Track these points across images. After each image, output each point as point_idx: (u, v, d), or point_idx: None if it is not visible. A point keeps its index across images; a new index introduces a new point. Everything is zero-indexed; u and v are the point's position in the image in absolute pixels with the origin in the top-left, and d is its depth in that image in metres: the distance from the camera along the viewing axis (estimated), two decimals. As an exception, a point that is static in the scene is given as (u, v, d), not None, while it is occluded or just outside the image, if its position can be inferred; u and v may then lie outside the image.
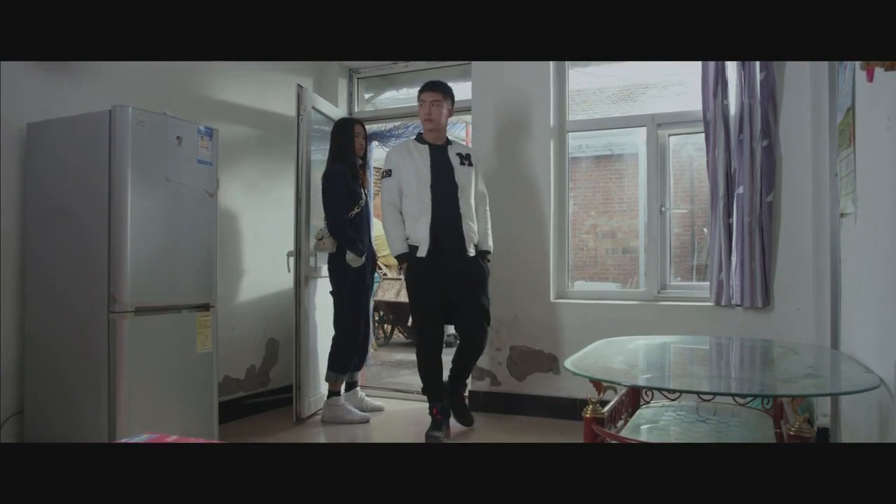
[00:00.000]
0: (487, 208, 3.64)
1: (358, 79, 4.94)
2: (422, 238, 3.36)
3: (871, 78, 1.73)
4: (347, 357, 3.83)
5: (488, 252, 3.57)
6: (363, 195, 3.87)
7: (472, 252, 3.43)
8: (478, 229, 3.51)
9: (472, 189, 3.48)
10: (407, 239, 3.41)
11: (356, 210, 3.78)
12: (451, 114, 3.55)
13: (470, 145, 3.64)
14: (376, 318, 7.48)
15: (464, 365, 3.61)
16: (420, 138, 3.55)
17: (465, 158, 3.52)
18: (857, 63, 1.82)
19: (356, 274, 3.78)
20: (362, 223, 3.84)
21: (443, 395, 3.53)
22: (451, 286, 3.40)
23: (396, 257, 3.48)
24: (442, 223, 3.37)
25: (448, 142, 3.56)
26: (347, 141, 3.86)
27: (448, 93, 3.52)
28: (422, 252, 3.35)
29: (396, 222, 3.44)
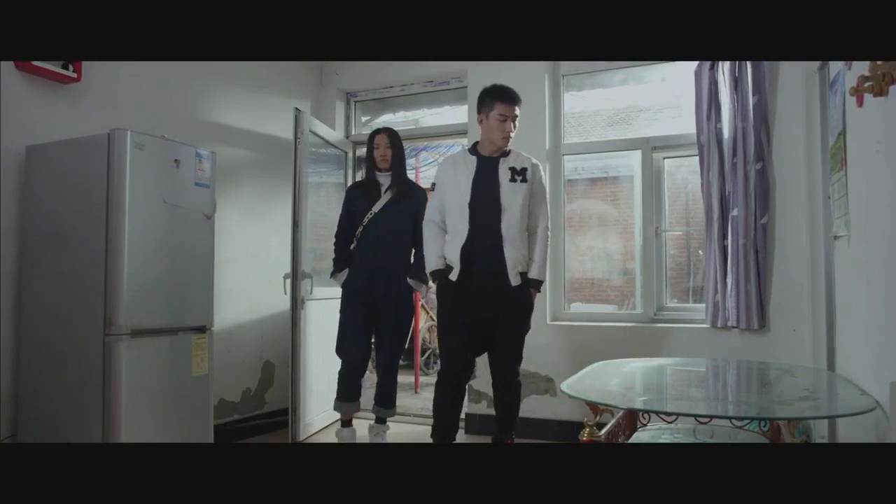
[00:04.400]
0: (545, 230, 3.14)
1: (355, 102, 4.98)
2: (454, 260, 3.01)
3: (860, 103, 1.76)
4: (344, 385, 3.58)
5: (538, 282, 3.08)
6: (371, 210, 3.59)
7: (515, 280, 2.98)
8: (528, 254, 3.07)
9: (520, 209, 3.01)
10: (444, 258, 3.07)
11: (361, 228, 3.59)
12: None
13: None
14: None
15: (499, 417, 3.19)
16: (473, 148, 3.14)
17: (519, 173, 3.04)
18: (847, 88, 1.84)
19: (350, 297, 3.58)
20: (377, 241, 3.57)
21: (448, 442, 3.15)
22: (483, 316, 3.01)
23: (430, 274, 3.18)
24: (480, 246, 2.98)
25: (505, 153, 3.09)
26: (367, 153, 3.74)
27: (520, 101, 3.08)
28: (453, 275, 3.01)
29: (433, 238, 3.12)
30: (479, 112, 3.07)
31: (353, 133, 4.94)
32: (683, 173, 4.67)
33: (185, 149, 2.95)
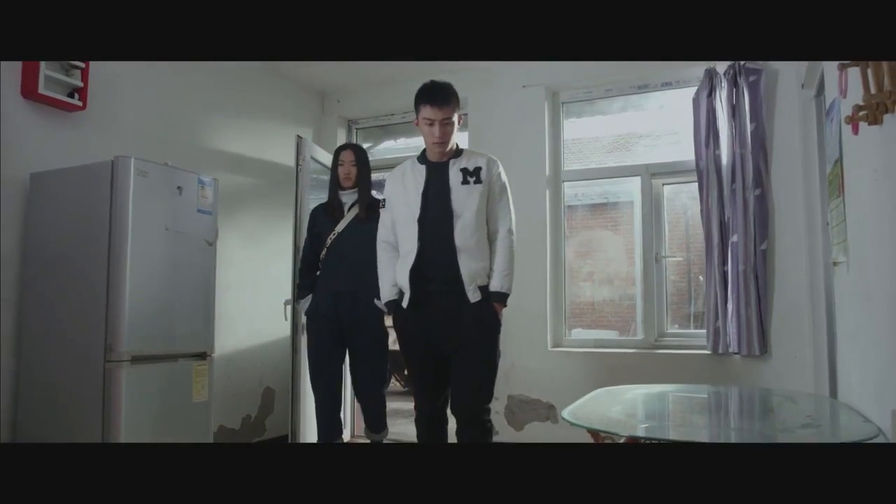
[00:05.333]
0: (508, 234, 2.66)
1: (356, 129, 5.03)
2: (404, 284, 2.60)
3: (856, 131, 1.78)
4: (323, 421, 3.35)
5: (501, 294, 2.61)
6: (334, 231, 3.33)
7: (474, 296, 2.55)
8: (490, 265, 2.62)
9: (475, 213, 2.58)
10: (396, 285, 2.67)
11: (324, 251, 3.34)
12: (461, 120, 2.72)
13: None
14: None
15: None
16: (422, 156, 2.72)
17: (472, 174, 2.64)
18: (843, 116, 1.87)
19: (314, 325, 3.34)
20: (340, 263, 3.30)
21: None
22: (442, 342, 2.58)
23: (384, 305, 2.78)
24: (431, 263, 2.57)
25: (457, 153, 2.68)
26: (332, 171, 3.47)
27: (456, 101, 2.65)
28: (405, 301, 2.62)
29: (386, 263, 2.73)
30: (415, 115, 2.67)
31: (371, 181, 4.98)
32: (683, 199, 4.69)
33: (188, 176, 2.98)
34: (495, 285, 2.60)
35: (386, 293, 2.70)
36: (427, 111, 2.57)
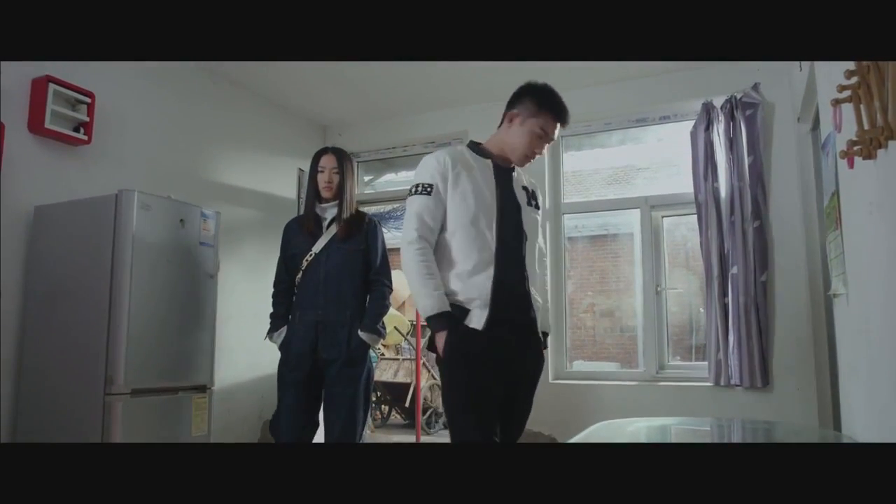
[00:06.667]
0: (545, 272, 2.40)
1: (358, 162, 5.08)
2: (483, 296, 2.07)
3: (851, 165, 1.80)
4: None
5: (546, 335, 2.31)
6: (311, 251, 2.86)
7: (540, 333, 2.24)
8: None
9: (538, 241, 2.30)
10: (447, 295, 2.09)
11: (300, 274, 2.88)
12: None
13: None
14: (373, 398, 7.37)
15: None
16: (481, 150, 2.27)
17: (533, 197, 2.32)
18: (838, 150, 1.89)
19: (288, 362, 2.86)
20: (318, 289, 2.84)
21: None
22: (514, 373, 2.15)
23: (429, 319, 2.09)
24: (508, 281, 2.13)
25: (512, 165, 2.30)
26: (309, 179, 2.97)
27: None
28: (477, 321, 2.06)
29: (426, 265, 2.10)
30: (513, 108, 2.25)
31: (355, 193, 5.01)
32: (682, 231, 4.71)
33: (191, 209, 3.00)
34: (546, 325, 2.29)
35: (432, 304, 2.07)
36: (549, 123, 2.22)
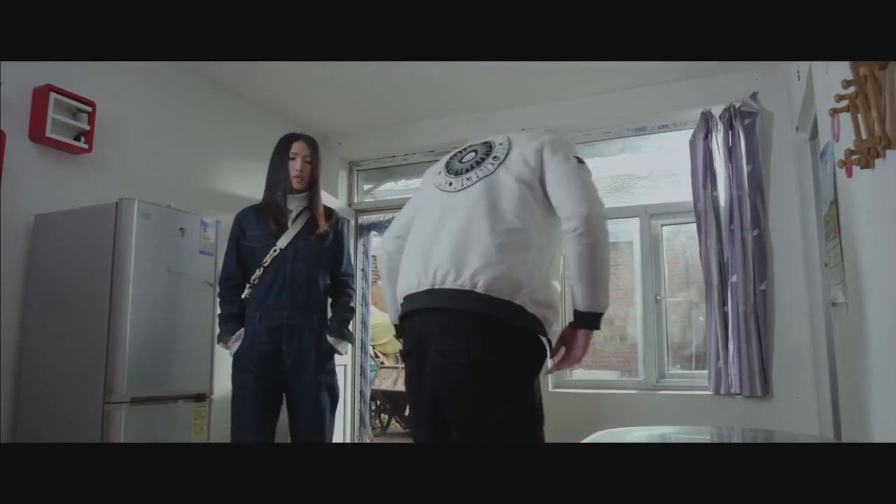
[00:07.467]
0: None
1: (357, 171, 5.09)
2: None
3: (849, 174, 1.81)
4: None
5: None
6: (276, 245, 2.65)
7: None
8: None
9: None
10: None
11: (260, 270, 2.64)
12: None
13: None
14: (373, 407, 7.36)
15: None
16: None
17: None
18: (836, 160, 1.90)
19: (247, 369, 2.62)
20: (284, 288, 2.62)
21: None
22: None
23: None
24: None
25: None
26: (277, 163, 2.72)
27: None
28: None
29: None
30: None
31: (355, 201, 5.03)
32: (682, 239, 4.72)
33: (191, 217, 3.01)
34: None
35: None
36: None
